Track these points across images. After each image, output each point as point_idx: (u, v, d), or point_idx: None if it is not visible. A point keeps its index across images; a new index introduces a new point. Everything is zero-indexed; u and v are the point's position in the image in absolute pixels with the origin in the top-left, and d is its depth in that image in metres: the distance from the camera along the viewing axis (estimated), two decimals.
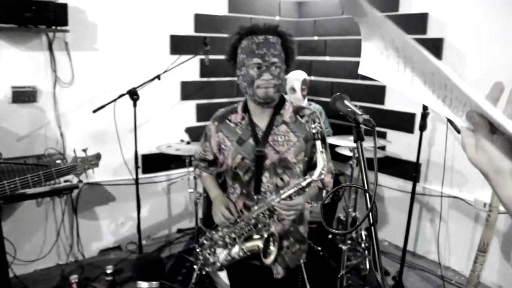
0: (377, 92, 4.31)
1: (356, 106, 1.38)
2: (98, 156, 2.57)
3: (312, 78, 4.88)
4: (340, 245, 3.46)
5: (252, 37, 1.95)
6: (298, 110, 2.09)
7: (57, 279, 3.68)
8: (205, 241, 2.15)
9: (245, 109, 2.06)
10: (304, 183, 1.82)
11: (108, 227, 4.13)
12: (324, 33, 4.84)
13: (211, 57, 4.10)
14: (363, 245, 3.79)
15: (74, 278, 3.37)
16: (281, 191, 1.87)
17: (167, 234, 4.52)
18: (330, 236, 3.88)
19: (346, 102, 1.39)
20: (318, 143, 1.77)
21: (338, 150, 3.77)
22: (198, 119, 4.51)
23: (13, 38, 3.36)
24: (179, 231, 4.55)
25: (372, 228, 1.14)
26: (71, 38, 3.59)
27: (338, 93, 1.43)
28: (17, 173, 3.23)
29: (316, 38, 4.94)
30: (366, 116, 1.31)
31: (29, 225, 3.70)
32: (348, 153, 3.59)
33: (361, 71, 0.85)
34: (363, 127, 1.29)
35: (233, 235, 2.00)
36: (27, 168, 3.28)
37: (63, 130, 3.71)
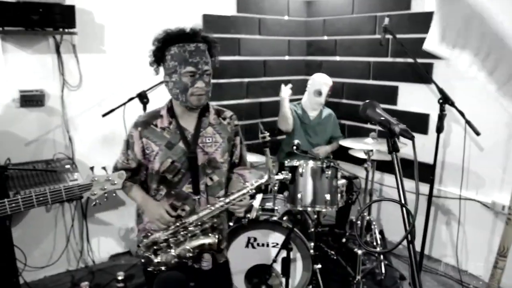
0: (390, 92, 4.23)
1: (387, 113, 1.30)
2: (120, 176, 1.98)
3: None
4: (354, 249, 3.39)
5: (183, 45, 2.00)
6: (219, 113, 2.28)
7: (67, 285, 3.62)
8: (143, 241, 2.11)
9: (172, 114, 2.13)
10: (254, 186, 2.12)
11: (118, 232, 4.07)
12: (334, 32, 4.76)
13: (220, 58, 4.01)
14: (378, 249, 3.71)
15: (85, 285, 3.30)
16: (232, 195, 2.10)
17: None
18: (343, 240, 3.81)
19: (378, 110, 1.32)
20: (267, 151, 2.12)
21: (352, 152, 3.70)
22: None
23: (20, 41, 3.30)
24: None
25: (411, 245, 1.07)
26: (79, 41, 3.53)
27: (368, 100, 1.36)
28: (26, 178, 3.18)
29: (326, 37, 4.86)
30: (403, 126, 1.24)
31: (39, 231, 3.65)
32: (362, 155, 3.51)
33: (428, 46, 0.77)
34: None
35: (179, 237, 2.07)
36: (36, 173, 3.23)
37: (71, 134, 3.65)
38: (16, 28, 3.13)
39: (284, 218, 3.25)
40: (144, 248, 2.10)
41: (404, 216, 1.12)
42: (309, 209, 3.17)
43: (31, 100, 3.40)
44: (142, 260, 2.12)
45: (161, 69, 2.17)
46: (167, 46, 2.04)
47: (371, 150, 3.38)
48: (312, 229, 3.36)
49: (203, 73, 2.04)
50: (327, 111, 4.26)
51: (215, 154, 2.18)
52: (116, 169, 2.20)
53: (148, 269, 2.10)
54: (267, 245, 3.16)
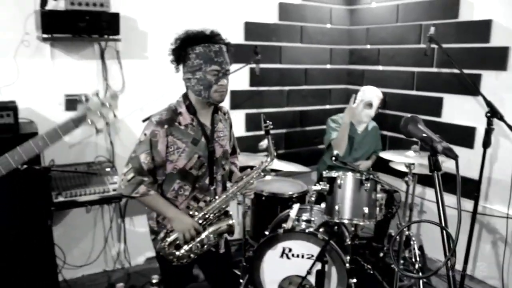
0: (434, 104, 4.10)
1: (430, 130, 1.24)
2: (113, 97, 1.88)
3: (364, 88, 4.71)
4: (392, 265, 3.29)
5: (208, 45, 2.14)
6: (220, 108, 2.45)
7: (103, 285, 3.70)
8: (166, 239, 2.21)
9: (192, 111, 2.23)
10: (261, 168, 2.38)
11: None
12: (377, 41, 4.67)
13: (261, 66, 4.04)
14: (416, 265, 3.58)
15: (120, 286, 3.35)
16: (242, 180, 2.35)
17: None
18: (381, 254, 3.71)
19: (420, 125, 1.26)
20: (270, 137, 2.38)
21: (393, 165, 3.60)
22: (248, 129, 4.44)
23: (68, 48, 3.42)
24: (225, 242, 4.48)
25: (450, 272, 1.01)
26: (122, 47, 3.62)
27: (410, 115, 1.30)
28: (68, 180, 3.28)
29: (368, 46, 4.77)
30: (446, 144, 1.18)
31: (79, 231, 3.75)
32: (403, 168, 3.41)
33: None
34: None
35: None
36: (78, 175, 3.32)
37: (113, 138, 3.74)
38: (64, 35, 3.24)
39: (321, 229, 3.18)
40: (166, 245, 2.20)
41: (444, 239, 1.06)
42: (346, 221, 3.09)
43: (76, 104, 3.48)
44: (170, 258, 2.23)
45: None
46: (192, 45, 2.14)
47: (413, 164, 3.28)
48: (349, 242, 3.28)
49: (226, 72, 2.18)
50: (372, 124, 4.17)
51: (227, 147, 2.40)
52: (141, 170, 2.15)
53: (173, 264, 2.23)
54: (302, 256, 3.11)
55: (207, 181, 2.30)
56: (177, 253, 2.22)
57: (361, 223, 3.07)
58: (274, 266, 3.10)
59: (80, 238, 3.77)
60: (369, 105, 3.97)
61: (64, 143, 3.52)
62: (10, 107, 2.96)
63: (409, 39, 4.30)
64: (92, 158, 3.64)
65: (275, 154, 2.43)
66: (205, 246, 2.25)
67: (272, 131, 3.79)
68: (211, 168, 2.30)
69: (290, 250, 3.11)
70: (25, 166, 2.34)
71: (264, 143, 3.72)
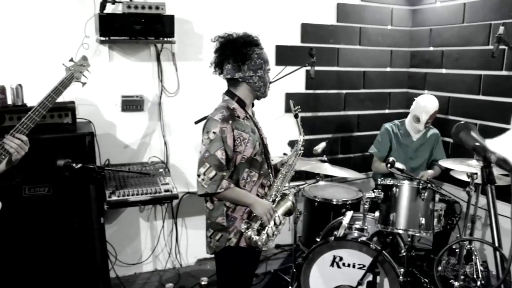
0: (502, 110, 3.82)
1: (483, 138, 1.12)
2: (84, 58, 2.47)
3: (426, 92, 4.49)
4: (451, 281, 3.09)
5: (261, 48, 2.38)
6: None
7: (154, 284, 3.75)
8: (251, 228, 2.32)
9: (243, 105, 2.39)
10: (299, 147, 2.61)
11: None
12: (441, 43, 4.42)
13: (317, 68, 3.95)
14: (478, 282, 3.34)
15: (170, 286, 3.37)
16: (288, 159, 2.60)
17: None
18: (439, 267, 3.50)
19: (473, 133, 1.14)
20: (298, 120, 2.64)
21: (454, 174, 3.39)
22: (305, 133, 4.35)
23: (125, 50, 3.50)
24: (277, 246, 4.43)
25: None
26: (178, 49, 3.65)
27: (463, 122, 1.18)
28: (122, 179, 3.34)
29: (431, 48, 4.54)
30: (500, 155, 1.05)
31: (131, 230, 3.83)
32: (465, 178, 3.20)
33: None
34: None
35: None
36: (132, 175, 3.38)
37: (167, 139, 3.78)
38: (121, 38, 3.33)
39: (374, 239, 3.05)
40: (252, 233, 2.30)
41: (497, 259, 0.94)
42: (401, 231, 2.95)
43: (132, 105, 3.58)
44: (259, 244, 2.32)
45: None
46: (251, 46, 2.33)
47: (475, 173, 3.06)
48: (404, 253, 3.13)
49: None
50: (432, 131, 3.95)
51: (264, 134, 2.55)
52: (221, 166, 2.23)
53: (257, 249, 2.37)
54: (353, 266, 2.99)
55: (266, 166, 2.47)
56: (259, 240, 2.32)
57: (417, 234, 2.93)
58: (324, 274, 3.02)
59: (133, 237, 3.84)
60: (417, 119, 3.79)
61: (119, 142, 3.61)
62: (68, 108, 3.06)
63: (476, 40, 4.04)
64: (146, 159, 3.71)
65: (303, 133, 2.68)
66: (279, 227, 2.41)
67: (328, 135, 4.14)
68: (266, 154, 2.49)
69: (341, 258, 3.01)
70: (80, 164, 2.42)
71: (319, 147, 3.64)
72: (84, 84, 2.43)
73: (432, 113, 3.75)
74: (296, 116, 2.63)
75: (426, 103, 3.77)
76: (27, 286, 2.96)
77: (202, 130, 2.36)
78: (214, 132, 2.25)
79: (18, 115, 2.88)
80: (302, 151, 2.63)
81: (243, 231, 2.33)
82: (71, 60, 2.43)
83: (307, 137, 4.24)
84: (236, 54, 2.31)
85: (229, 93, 2.41)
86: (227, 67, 2.34)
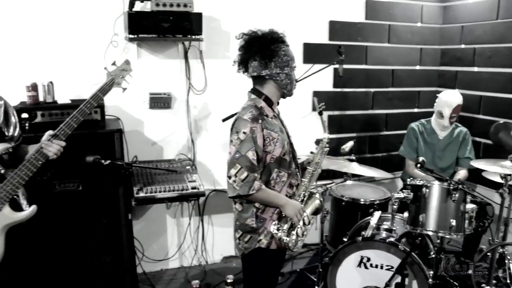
0: None
1: None
2: (127, 62, 2.43)
3: (457, 91, 4.38)
4: (483, 285, 3.01)
5: (287, 45, 2.34)
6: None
7: (180, 281, 3.78)
8: (281, 229, 2.30)
9: (270, 104, 2.36)
10: (325, 144, 2.57)
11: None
12: (472, 40, 4.31)
13: (346, 66, 3.90)
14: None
15: (195, 283, 3.39)
16: (314, 157, 2.55)
17: None
18: (470, 271, 3.42)
19: None
20: (323, 117, 2.71)
21: (486, 175, 3.30)
22: (330, 132, 4.27)
23: (153, 47, 3.53)
24: (303, 245, 4.39)
25: None
26: (205, 47, 3.66)
27: (502, 121, 1.14)
28: (149, 176, 3.37)
29: (463, 46, 4.43)
30: None
31: (158, 227, 3.86)
32: (498, 179, 3.11)
33: None
34: None
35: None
36: (159, 172, 3.41)
37: (194, 137, 3.80)
38: (149, 36, 3.35)
39: (402, 240, 3.00)
40: (282, 234, 2.28)
41: None
42: (430, 233, 2.88)
43: (159, 102, 3.61)
44: (290, 245, 2.30)
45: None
46: (277, 43, 2.29)
47: (509, 175, 2.97)
48: (433, 255, 3.06)
49: None
50: (459, 129, 3.86)
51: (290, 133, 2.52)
52: (253, 167, 2.19)
53: (290, 250, 2.34)
54: (381, 267, 2.95)
55: (293, 165, 2.44)
56: (290, 242, 2.30)
57: (447, 236, 2.86)
58: (351, 275, 2.98)
59: (160, 233, 3.87)
60: (440, 114, 3.72)
61: (147, 140, 3.65)
62: (98, 105, 3.09)
63: (511, 37, 3.92)
64: (173, 156, 3.73)
65: (327, 130, 2.65)
66: (307, 227, 2.38)
67: (355, 134, 4.15)
68: (293, 153, 2.47)
69: (368, 259, 2.97)
70: (108, 161, 2.45)
71: (346, 146, 3.59)
72: (124, 89, 2.38)
73: (454, 106, 3.68)
74: (320, 114, 2.66)
75: (448, 98, 3.71)
76: (57, 279, 3.01)
77: (230, 130, 2.33)
78: (244, 132, 2.21)
79: (49, 111, 2.94)
80: (328, 149, 2.59)
81: (273, 232, 2.30)
82: (114, 64, 2.40)
83: (334, 136, 4.26)
84: (263, 51, 2.27)
85: (255, 91, 2.37)
86: (253, 64, 2.30)
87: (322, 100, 4.19)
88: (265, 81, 2.33)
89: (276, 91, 2.36)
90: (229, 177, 2.22)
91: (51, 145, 2.02)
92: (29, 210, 2.06)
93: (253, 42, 2.30)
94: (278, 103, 2.47)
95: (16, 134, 2.21)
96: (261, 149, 2.24)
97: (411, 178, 3.03)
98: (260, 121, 2.24)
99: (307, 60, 4.01)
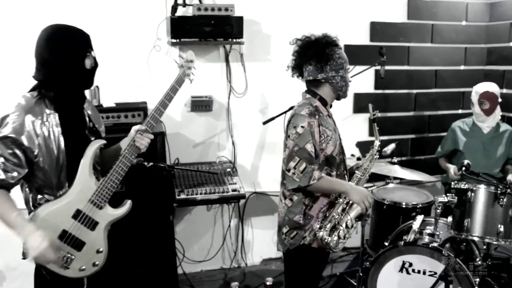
0: None
1: None
2: (190, 54, 2.40)
3: (505, 91, 4.24)
4: None
5: (340, 47, 2.39)
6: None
7: (219, 282, 3.82)
8: (324, 229, 2.30)
9: (325, 104, 2.40)
10: (375, 151, 2.60)
11: (272, 237, 4.14)
12: None
13: (388, 67, 3.85)
14: None
15: (235, 285, 3.43)
16: (363, 162, 2.60)
17: None
18: None
19: None
20: (375, 125, 2.65)
21: None
22: (371, 134, 4.27)
23: (194, 51, 3.48)
24: (343, 249, 4.36)
25: None
26: (246, 50, 3.69)
27: None
28: (191, 178, 3.42)
29: (511, 44, 4.28)
30: None
31: (199, 228, 3.92)
32: None
33: None
34: None
35: (343, 212, 2.36)
36: (200, 174, 3.45)
37: (234, 139, 3.83)
38: (191, 40, 3.41)
39: (446, 245, 2.93)
40: (324, 234, 2.28)
41: None
42: (476, 239, 2.80)
43: (201, 105, 3.67)
44: (331, 245, 2.28)
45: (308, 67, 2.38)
46: (331, 46, 2.34)
47: None
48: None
49: None
50: (506, 127, 3.74)
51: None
52: (311, 158, 2.23)
53: (331, 250, 2.35)
54: (424, 273, 2.88)
55: (342, 167, 2.47)
56: (331, 242, 2.29)
57: (495, 242, 2.77)
58: (392, 280, 2.93)
59: (200, 234, 3.93)
60: (471, 102, 3.68)
61: (188, 142, 3.71)
62: (140, 108, 3.19)
63: None
64: (214, 158, 3.78)
65: (379, 137, 2.66)
66: (350, 231, 2.35)
67: (397, 136, 4.08)
68: (343, 155, 2.50)
69: (410, 264, 2.91)
70: (151, 163, 2.50)
71: (388, 149, 3.54)
72: (192, 80, 2.40)
73: (482, 92, 3.60)
74: (374, 121, 2.62)
75: (478, 85, 3.69)
76: (99, 278, 3.09)
77: (286, 126, 2.39)
78: (302, 127, 2.25)
79: None
80: (378, 156, 2.61)
81: (315, 230, 2.32)
82: (180, 56, 2.55)
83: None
84: (319, 55, 2.32)
85: (310, 92, 2.42)
86: (309, 68, 2.36)
87: (363, 101, 4.19)
88: (320, 84, 2.39)
89: (332, 93, 2.41)
90: (288, 170, 2.26)
91: (143, 138, 2.07)
92: (127, 206, 2.14)
93: (308, 46, 2.36)
94: (331, 106, 2.50)
95: (103, 129, 2.27)
96: (318, 144, 2.28)
97: (456, 182, 2.95)
98: (317, 116, 2.30)
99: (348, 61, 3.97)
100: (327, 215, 2.35)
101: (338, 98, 2.46)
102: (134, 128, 2.10)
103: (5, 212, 1.81)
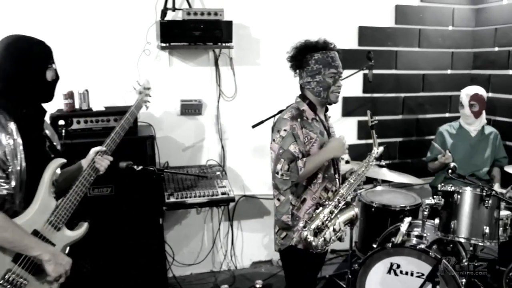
0: None
1: None
2: (148, 82, 2.59)
3: (490, 95, 4.30)
4: None
5: (325, 52, 2.37)
6: (327, 110, 2.59)
7: (209, 285, 3.82)
8: (307, 227, 2.32)
9: (313, 108, 2.42)
10: (372, 158, 2.55)
11: (261, 240, 4.16)
12: (507, 43, 4.22)
13: (376, 71, 3.89)
14: None
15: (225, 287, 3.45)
16: (358, 168, 2.54)
17: None
18: (507, 280, 3.34)
19: None
20: (374, 131, 2.57)
21: None
22: (359, 137, 4.30)
23: (184, 55, 3.60)
24: (332, 251, 4.38)
25: None
26: (235, 54, 3.72)
27: None
28: (180, 181, 3.43)
29: (496, 49, 4.34)
30: None
31: (189, 231, 3.92)
32: None
33: None
34: None
35: (331, 215, 2.38)
36: (189, 178, 3.46)
37: (224, 143, 3.85)
38: (181, 44, 3.42)
39: (433, 247, 2.97)
40: (308, 233, 2.30)
41: None
42: (462, 240, 2.84)
43: (190, 108, 3.68)
44: (313, 245, 2.30)
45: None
46: (311, 52, 2.37)
47: None
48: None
49: (340, 75, 2.42)
50: (490, 129, 3.81)
51: None
52: (294, 158, 2.28)
53: (313, 251, 2.34)
54: (411, 274, 2.91)
55: (332, 171, 2.48)
56: (314, 242, 2.31)
57: (480, 244, 2.82)
58: (380, 281, 2.97)
59: (190, 238, 3.93)
60: (461, 104, 3.76)
61: (178, 146, 3.72)
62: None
63: None
64: (203, 162, 3.79)
65: (378, 145, 2.60)
66: (337, 234, 2.40)
67: (385, 140, 4.04)
68: (334, 159, 2.49)
69: (398, 266, 2.94)
70: (140, 167, 2.51)
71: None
72: (147, 107, 2.58)
73: (472, 94, 3.67)
74: (372, 128, 2.59)
75: (466, 88, 3.76)
76: (89, 282, 3.09)
77: (271, 130, 2.42)
78: (285, 130, 2.31)
79: (84, 118, 3.04)
80: (374, 163, 2.61)
81: (299, 230, 2.35)
82: (138, 83, 2.59)
83: (363, 141, 4.26)
84: (294, 61, 2.44)
85: (302, 96, 2.47)
86: (295, 74, 2.48)
87: (351, 105, 4.22)
88: (304, 90, 2.47)
89: (315, 98, 2.43)
90: (277, 173, 2.30)
91: (103, 160, 2.06)
92: (83, 228, 2.05)
93: (292, 54, 2.46)
94: (327, 109, 2.55)
95: (59, 148, 2.19)
96: (303, 144, 2.33)
97: (442, 184, 3.00)
98: (299, 119, 2.34)
99: None
100: (313, 215, 2.37)
101: (326, 103, 2.46)
102: (94, 149, 2.09)
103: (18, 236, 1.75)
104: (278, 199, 2.41)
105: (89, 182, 2.03)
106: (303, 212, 2.39)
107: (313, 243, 2.30)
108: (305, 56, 2.38)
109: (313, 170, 2.35)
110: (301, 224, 2.37)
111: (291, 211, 2.39)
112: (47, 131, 2.07)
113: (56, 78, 1.98)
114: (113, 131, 2.16)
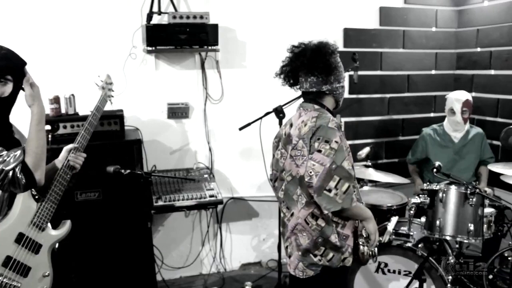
0: None
1: None
2: (109, 76, 2.58)
3: (474, 94, 4.36)
4: None
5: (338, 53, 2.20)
6: None
7: None
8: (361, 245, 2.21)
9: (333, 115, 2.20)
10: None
11: (250, 242, 4.17)
12: (489, 43, 4.29)
13: (360, 73, 3.93)
14: None
15: None
16: None
17: None
18: (490, 276, 3.39)
19: None
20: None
21: (505, 179, 3.28)
22: (346, 137, 4.31)
23: (170, 59, 3.61)
24: None
25: None
26: (222, 57, 3.73)
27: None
28: (168, 185, 3.43)
29: (479, 49, 4.41)
30: None
31: (177, 234, 3.92)
32: None
33: None
34: None
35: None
36: (177, 181, 3.47)
37: (211, 145, 3.85)
38: (167, 47, 3.43)
39: (420, 245, 3.00)
40: (366, 249, 2.20)
41: None
42: (448, 238, 2.88)
43: (177, 112, 3.69)
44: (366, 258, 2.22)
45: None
46: (334, 54, 2.16)
47: None
48: (452, 260, 3.05)
49: None
50: (475, 130, 3.85)
51: None
52: (351, 177, 2.02)
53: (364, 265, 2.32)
54: (399, 273, 2.96)
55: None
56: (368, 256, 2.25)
57: (466, 241, 2.86)
58: (368, 280, 3.00)
59: (179, 241, 3.93)
60: (451, 111, 3.74)
61: (165, 149, 3.72)
62: (117, 115, 3.18)
63: None
64: (191, 165, 3.79)
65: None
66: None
67: (371, 140, 4.00)
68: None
69: (386, 265, 2.98)
70: (128, 171, 2.51)
71: (363, 152, 3.61)
72: (112, 102, 2.57)
73: (464, 100, 3.69)
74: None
75: (456, 94, 3.75)
76: (78, 287, 3.08)
77: (310, 138, 2.06)
78: (336, 142, 2.01)
79: (71, 123, 3.03)
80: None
81: (360, 245, 2.20)
82: (99, 77, 2.54)
83: (350, 142, 4.28)
84: (324, 65, 2.10)
85: (317, 103, 2.18)
86: (311, 79, 2.13)
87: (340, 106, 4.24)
88: (324, 96, 2.19)
89: (333, 104, 2.24)
90: (329, 190, 1.97)
91: (77, 157, 2.10)
92: (67, 226, 2.09)
93: (305, 55, 2.13)
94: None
95: None
96: (352, 160, 2.11)
97: (428, 183, 3.04)
98: (342, 130, 2.13)
99: None
100: (362, 232, 2.23)
101: (335, 108, 2.28)
102: (66, 148, 2.12)
103: None
104: (323, 218, 2.08)
105: (66, 181, 2.06)
106: (350, 231, 2.18)
107: (370, 260, 2.25)
108: (329, 60, 2.11)
109: (355, 214, 2.13)
110: (361, 240, 2.20)
111: (336, 229, 2.12)
112: (16, 136, 2.06)
113: (14, 92, 1.89)
114: (82, 128, 2.19)
